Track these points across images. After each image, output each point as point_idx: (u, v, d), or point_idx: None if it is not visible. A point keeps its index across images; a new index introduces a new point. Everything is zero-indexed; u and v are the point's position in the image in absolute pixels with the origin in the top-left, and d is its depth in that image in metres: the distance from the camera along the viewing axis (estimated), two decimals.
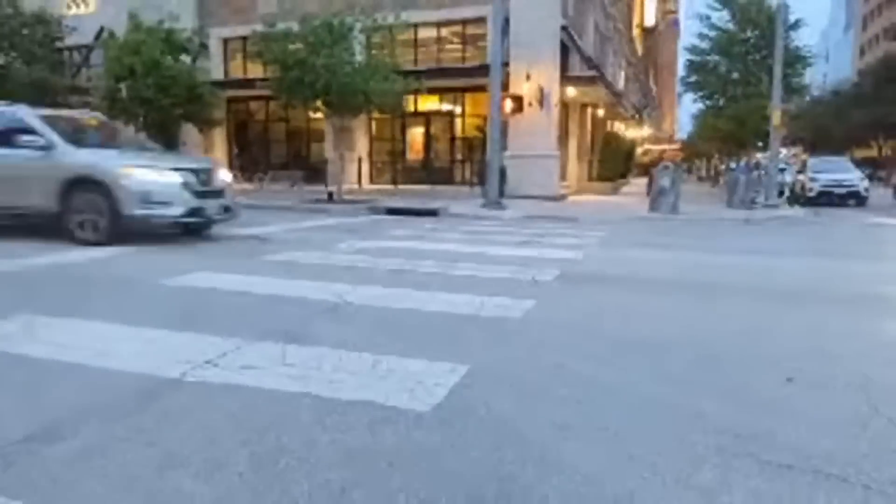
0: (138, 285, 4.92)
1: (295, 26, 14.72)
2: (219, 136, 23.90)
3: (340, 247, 7.45)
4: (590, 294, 4.98)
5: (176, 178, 7.09)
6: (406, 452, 2.13)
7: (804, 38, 22.86)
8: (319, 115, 17.16)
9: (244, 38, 21.01)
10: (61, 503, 1.79)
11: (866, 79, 43.06)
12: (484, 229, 10.19)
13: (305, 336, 3.48)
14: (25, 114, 7.54)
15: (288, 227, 10.02)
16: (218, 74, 22.55)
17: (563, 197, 18.27)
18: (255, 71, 21.61)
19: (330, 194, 15.60)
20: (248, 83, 21.24)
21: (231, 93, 22.23)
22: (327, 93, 14.33)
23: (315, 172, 22.06)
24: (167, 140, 18.44)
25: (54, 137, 7.14)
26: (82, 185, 6.91)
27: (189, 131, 20.92)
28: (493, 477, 1.97)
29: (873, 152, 46.98)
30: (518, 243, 8.19)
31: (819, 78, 43.99)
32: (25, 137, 6.99)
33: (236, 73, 23.60)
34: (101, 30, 21.28)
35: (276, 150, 24.45)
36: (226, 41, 23.32)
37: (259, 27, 15.24)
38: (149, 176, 6.94)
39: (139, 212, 6.86)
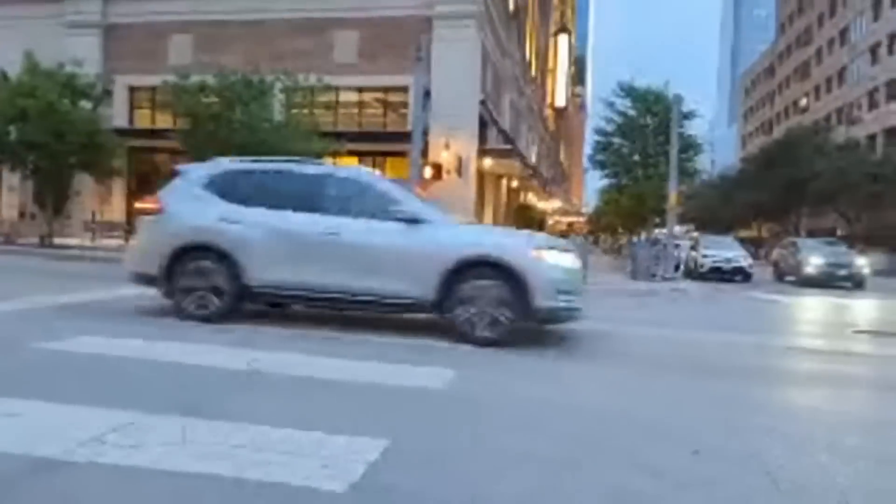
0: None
1: (210, 79, 14.47)
2: (118, 188, 22.57)
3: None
4: (503, 362, 4.94)
5: (577, 263, 6.02)
6: None
7: (695, 128, 25.48)
8: None
9: (153, 88, 20.34)
10: None
11: (748, 166, 48.13)
12: None
13: (211, 409, 3.17)
14: (373, 178, 6.30)
15: None
16: (122, 122, 21.58)
17: None
18: (164, 121, 20.92)
19: None
20: (154, 134, 20.45)
21: (135, 142, 21.26)
22: (243, 150, 14.01)
23: None
24: (58, 189, 17.20)
25: (423, 208, 5.85)
26: (474, 269, 5.44)
27: (83, 181, 19.63)
28: None
29: (754, 232, 52.00)
30: None
31: (707, 164, 48.73)
32: (391, 208, 5.61)
33: (143, 122, 22.72)
34: None
35: None
36: (132, 89, 22.49)
37: (170, 77, 14.84)
38: (561, 260, 5.63)
39: (549, 304, 5.43)
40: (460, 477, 2.50)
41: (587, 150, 39.93)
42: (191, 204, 5.89)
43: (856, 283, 18.18)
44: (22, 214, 21.34)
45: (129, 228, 20.23)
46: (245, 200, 5.82)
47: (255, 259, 5.63)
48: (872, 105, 45.67)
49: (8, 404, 3.04)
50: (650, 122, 24.83)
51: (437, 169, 17.04)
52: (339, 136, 16.74)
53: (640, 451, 2.93)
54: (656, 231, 26.88)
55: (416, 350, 5.08)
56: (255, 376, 3.93)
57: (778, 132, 56.16)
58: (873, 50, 46.30)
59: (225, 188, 5.92)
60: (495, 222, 25.00)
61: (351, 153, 19.95)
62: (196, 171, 6.28)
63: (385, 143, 20.30)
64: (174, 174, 6.43)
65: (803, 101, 52.17)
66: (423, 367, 4.44)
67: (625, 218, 31.20)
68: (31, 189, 17.98)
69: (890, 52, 44.18)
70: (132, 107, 22.90)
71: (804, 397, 4.51)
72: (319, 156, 15.33)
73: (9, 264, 11.65)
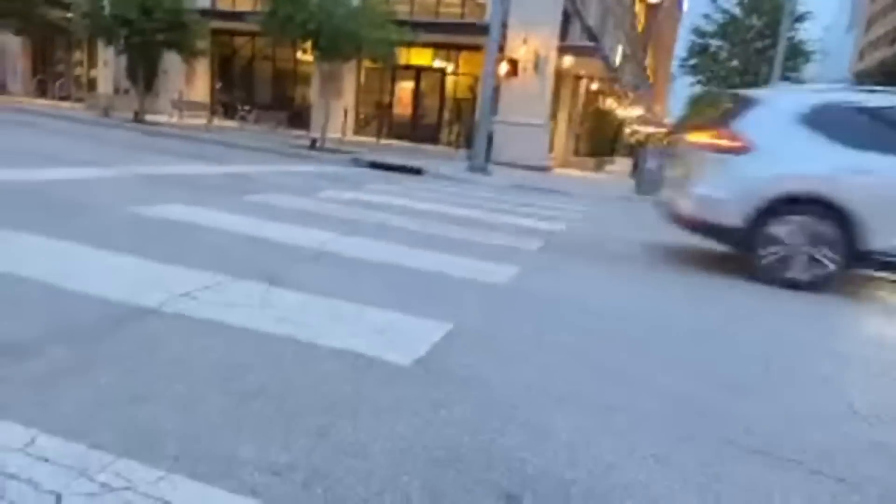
0: (97, 211, 4.74)
1: None
2: (201, 68, 23.09)
3: (324, 195, 7.31)
4: (571, 266, 4.97)
5: None
6: (384, 403, 2.10)
7: (807, 33, 22.64)
8: (308, 57, 16.63)
9: None
10: (34, 418, 1.71)
11: (863, 82, 43.41)
12: (469, 193, 10.10)
13: (289, 280, 3.40)
14: None
15: (269, 169, 9.79)
16: (205, 3, 21.60)
17: (548, 168, 18.21)
18: (244, 4, 20.80)
19: (313, 141, 15.27)
20: (235, 16, 20.42)
21: (216, 24, 21.35)
22: (319, 34, 13.85)
23: (298, 117, 21.56)
24: (148, 66, 17.76)
25: None
26: None
27: (170, 60, 20.12)
28: (470, 433, 1.96)
29: None
30: (503, 210, 8.14)
31: (815, 74, 44.19)
32: None
33: (223, 4, 22.67)
34: None
35: (260, 90, 23.76)
36: None
37: None
38: None
39: None
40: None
41: (679, 53, 36.79)
42: (788, 144, 4.79)
43: None
44: (116, 90, 22.31)
45: (212, 108, 20.89)
46: (864, 144, 4.65)
47: (886, 221, 4.62)
48: None
49: (110, 257, 3.37)
50: (756, 24, 22.45)
51: (514, 65, 16.32)
52: (414, 25, 16.16)
53: (706, 362, 2.97)
54: None
55: None
56: None
57: None
58: None
59: (830, 126, 4.74)
60: (569, 126, 24.05)
61: (425, 44, 19.36)
62: (786, 101, 5.16)
63: (461, 34, 19.49)
64: (746, 102, 5.23)
65: None
66: None
67: None
68: (124, 66, 18.65)
69: None
70: None
71: None
72: (393, 45, 14.97)
73: (112, 137, 12.39)
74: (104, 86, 23.09)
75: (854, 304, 4.83)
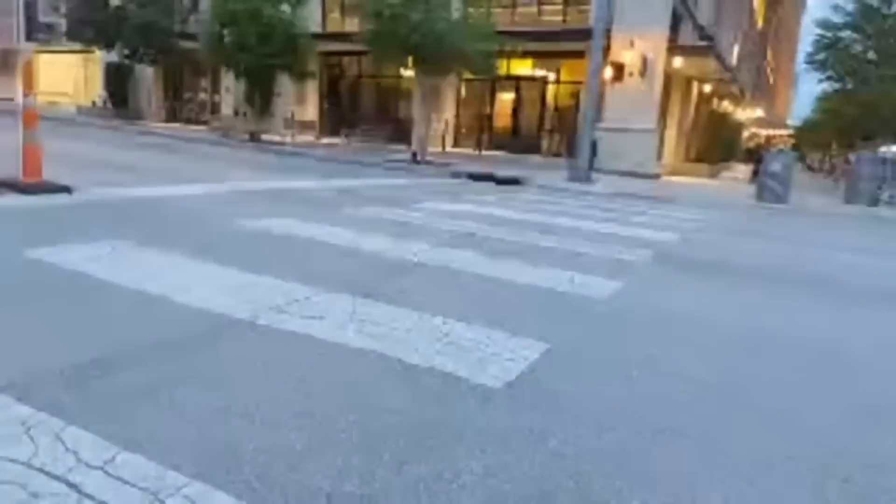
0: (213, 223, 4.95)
1: None
2: (311, 89, 24.30)
3: (422, 206, 7.29)
4: (685, 281, 4.53)
5: None
6: (472, 432, 1.91)
7: None
8: (409, 73, 16.96)
9: None
10: (117, 432, 1.70)
11: None
12: (571, 202, 9.73)
13: (381, 293, 3.32)
14: None
15: (370, 182, 9.99)
16: (315, 27, 22.78)
17: (657, 176, 17.27)
18: (352, 25, 21.65)
19: (414, 155, 15.50)
20: (343, 37, 21.32)
21: (325, 46, 22.42)
22: (420, 49, 14.06)
23: (400, 132, 22.05)
24: (262, 88, 18.95)
25: None
26: None
27: (283, 83, 21.34)
28: (564, 473, 1.72)
29: None
30: (607, 220, 7.72)
31: None
32: None
33: (333, 26, 23.75)
34: None
35: (364, 107, 24.62)
36: None
37: None
38: None
39: None
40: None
41: (802, 50, 33.65)
42: None
43: None
44: (236, 112, 24.09)
45: (321, 127, 21.89)
46: None
47: None
48: None
49: (215, 270, 3.46)
50: (894, 10, 20.03)
51: (619, 69, 15.68)
52: (514, 35, 16.01)
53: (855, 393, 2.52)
54: (883, 149, 22.49)
55: None
56: None
57: None
58: None
59: None
60: (680, 131, 22.74)
61: (526, 54, 19.13)
62: None
63: (563, 41, 19.04)
64: None
65: None
66: None
67: (846, 132, 26.37)
68: (242, 89, 20.05)
69: None
70: (324, 11, 24.02)
71: None
72: (494, 56, 14.87)
73: (229, 155, 13.31)
74: (225, 109, 24.99)
75: None
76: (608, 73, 14.83)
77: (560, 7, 19.91)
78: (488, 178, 12.74)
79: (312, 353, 2.43)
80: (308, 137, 19.79)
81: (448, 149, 20.57)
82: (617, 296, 3.73)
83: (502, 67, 19.42)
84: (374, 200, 7.48)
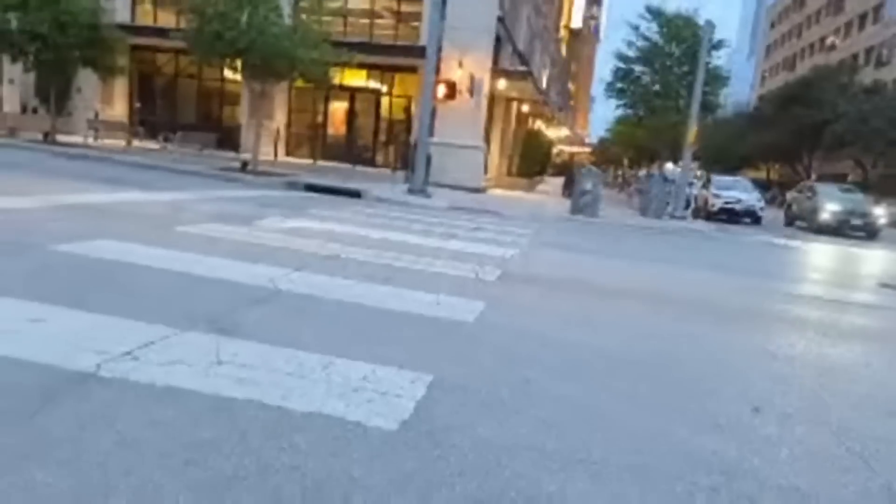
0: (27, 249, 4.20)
1: None
2: (120, 87, 21.83)
3: (263, 223, 6.89)
4: (538, 299, 4.84)
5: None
6: (378, 484, 1.83)
7: (719, 60, 24.17)
8: (235, 76, 16.01)
9: None
10: None
11: (766, 105, 46.62)
12: (414, 217, 9.89)
13: (242, 328, 3.06)
14: None
15: (200, 195, 9.21)
16: (124, 18, 20.51)
17: (484, 189, 18.30)
18: (166, 19, 19.91)
19: (244, 163, 14.66)
20: (157, 32, 19.48)
21: (137, 40, 20.28)
22: (249, 53, 13.34)
23: (226, 138, 20.71)
24: (60, 84, 16.56)
25: None
26: None
27: (85, 77, 18.87)
28: None
29: (762, 174, 51.19)
30: (452, 235, 7.98)
31: (723, 98, 47.10)
32: None
33: (145, 19, 21.65)
34: None
35: (184, 110, 22.71)
36: None
37: None
38: None
39: None
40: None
41: (596, 76, 38.34)
42: None
43: (870, 234, 17.99)
44: (24, 109, 20.69)
45: (132, 129, 19.72)
46: None
47: None
48: None
49: (32, 309, 2.91)
50: (675, 51, 23.69)
51: (451, 88, 16.38)
52: (348, 46, 15.94)
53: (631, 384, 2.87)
54: (668, 166, 26.33)
55: None
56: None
57: (801, 69, 54.05)
58: None
59: None
60: (503, 148, 24.39)
61: (360, 65, 19.15)
62: None
63: (396, 56, 19.43)
64: None
65: (830, 39, 49.88)
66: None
67: (636, 151, 30.46)
68: (32, 83, 17.29)
69: None
70: (133, 2, 21.72)
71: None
72: (328, 66, 14.64)
73: (21, 160, 11.34)
74: (10, 104, 21.36)
75: None
76: (441, 90, 15.40)
77: (392, 21, 20.26)
78: (328, 190, 12.48)
79: (179, 408, 2.15)
80: (117, 141, 17.67)
81: (280, 158, 19.76)
82: (483, 317, 3.86)
83: (336, 77, 19.20)
84: (211, 216, 6.90)
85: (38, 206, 6.06)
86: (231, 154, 18.10)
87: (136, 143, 19.25)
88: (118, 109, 22.08)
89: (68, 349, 2.51)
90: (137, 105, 22.58)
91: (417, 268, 5.29)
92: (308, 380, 2.52)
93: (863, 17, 51.56)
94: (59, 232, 4.84)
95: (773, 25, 78.36)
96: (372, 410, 2.30)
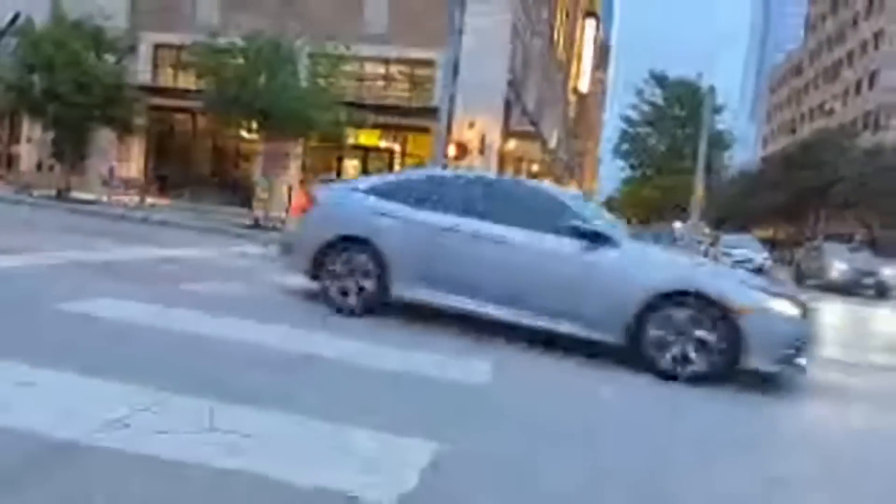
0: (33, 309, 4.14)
1: (238, 41, 14.11)
2: (136, 145, 22.35)
3: (275, 280, 6.82)
4: (545, 364, 4.68)
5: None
6: None
7: (722, 122, 24.97)
8: (251, 135, 16.40)
9: (179, 47, 20.03)
10: None
11: (769, 166, 47.15)
12: None
13: (241, 392, 2.94)
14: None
15: (210, 252, 9.23)
16: (145, 80, 21.26)
17: None
18: (186, 81, 20.58)
19: (256, 220, 14.78)
20: (176, 93, 20.13)
21: (156, 100, 20.94)
22: (266, 115, 13.70)
23: (240, 195, 21.01)
24: (76, 142, 16.96)
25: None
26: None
27: (101, 137, 19.36)
28: None
29: (769, 233, 51.22)
30: None
31: (727, 160, 47.73)
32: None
33: (165, 81, 22.40)
34: (17, 15, 19.57)
35: (198, 167, 23.15)
36: (157, 46, 22.17)
37: (197, 36, 14.51)
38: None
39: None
40: None
41: (604, 137, 39.17)
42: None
43: (879, 292, 17.72)
44: (39, 166, 21.17)
45: (146, 186, 20.09)
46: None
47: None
48: None
49: (22, 372, 2.81)
50: (680, 114, 24.20)
51: (463, 148, 16.67)
52: (362, 107, 16.36)
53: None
54: (676, 224, 26.41)
55: None
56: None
57: (802, 133, 54.89)
58: None
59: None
60: None
61: (373, 126, 19.61)
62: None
63: (409, 117, 19.89)
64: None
65: (829, 105, 50.83)
66: None
67: (646, 210, 30.68)
68: (49, 141, 17.72)
69: None
70: (155, 65, 22.57)
71: None
72: (343, 125, 14.99)
73: (35, 217, 11.50)
74: (27, 162, 21.90)
75: None
76: (452, 150, 15.67)
77: (406, 84, 20.88)
78: None
79: (171, 481, 2.02)
80: (130, 197, 17.96)
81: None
82: (494, 379, 3.71)
83: (351, 136, 19.63)
84: (217, 272, 6.86)
85: (43, 263, 6.06)
86: (244, 211, 18.29)
87: (150, 200, 19.56)
88: (134, 167, 22.57)
89: (60, 416, 2.40)
90: (154, 164, 23.06)
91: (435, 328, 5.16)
92: (307, 450, 2.39)
93: (859, 84, 52.68)
94: (64, 290, 4.79)
95: (772, 91, 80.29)
96: (371, 482, 2.16)
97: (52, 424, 2.31)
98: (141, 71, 21.18)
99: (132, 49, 18.20)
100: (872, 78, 50.14)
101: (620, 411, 3.62)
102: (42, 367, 2.90)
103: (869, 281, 17.83)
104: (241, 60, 13.72)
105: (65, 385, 2.75)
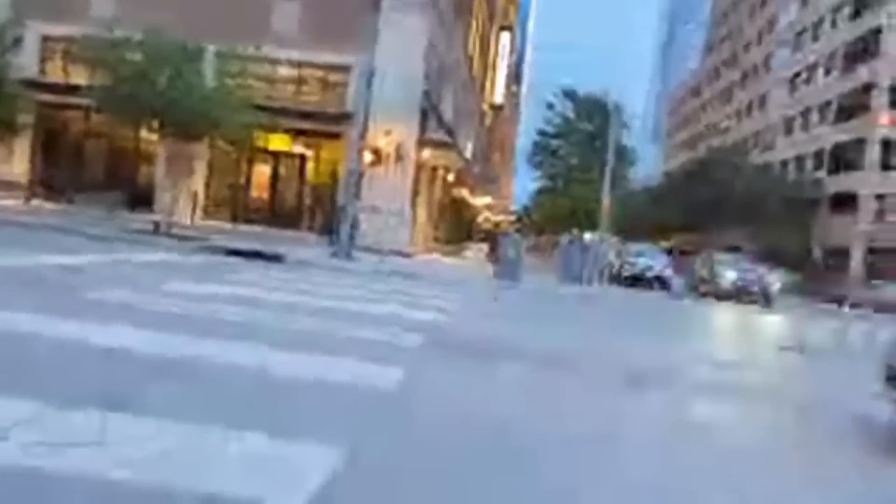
0: None
1: (138, 35, 13.33)
2: (20, 145, 20.50)
3: (173, 289, 6.47)
4: (460, 366, 4.73)
5: None
6: None
7: (628, 137, 26.75)
8: (151, 135, 15.53)
9: (69, 39, 18.55)
10: None
11: (669, 181, 50.42)
12: (337, 282, 9.66)
13: (133, 402, 2.75)
14: None
15: (105, 258, 8.62)
16: (31, 75, 19.61)
17: (410, 254, 18.32)
18: (78, 77, 19.19)
19: (157, 225, 13.98)
20: (69, 89, 18.71)
21: (44, 97, 19.36)
22: (167, 114, 13.01)
23: (140, 199, 19.79)
24: None
25: None
26: None
27: None
28: None
29: (671, 243, 54.64)
30: (375, 300, 7.80)
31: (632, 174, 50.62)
32: None
33: (54, 75, 20.78)
34: None
35: (92, 169, 21.57)
36: (45, 38, 20.50)
37: (90, 29, 13.58)
38: None
39: None
40: None
41: (518, 149, 40.50)
42: None
43: (765, 300, 19.29)
44: None
45: (33, 189, 18.51)
46: None
47: None
48: (788, 132, 48.58)
49: None
50: (588, 128, 25.46)
51: (378, 155, 16.61)
52: (273, 111, 15.90)
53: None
54: (586, 235, 27.56)
55: None
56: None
57: (700, 150, 59.11)
58: (792, 80, 49.31)
59: None
60: (429, 214, 24.75)
61: (286, 130, 19.14)
62: None
63: (322, 123, 19.58)
64: None
65: (724, 123, 55.15)
66: None
67: (557, 220, 31.92)
68: None
69: (807, 82, 47.14)
70: (43, 58, 20.88)
71: None
72: (250, 128, 14.50)
73: None
74: None
75: None
76: (368, 157, 15.57)
77: (319, 88, 20.53)
78: (248, 254, 12.04)
79: (55, 496, 1.85)
80: (14, 201, 16.47)
81: (198, 221, 19.02)
82: (399, 386, 3.69)
83: (260, 140, 19.02)
84: (116, 281, 6.42)
85: None
86: (144, 215, 17.25)
87: (35, 202, 18.03)
88: (18, 168, 20.72)
89: None
90: (41, 164, 21.26)
91: (337, 333, 5.07)
92: (201, 457, 2.26)
93: (750, 105, 57.41)
94: None
95: (673, 110, 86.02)
96: (274, 488, 2.08)
97: None
98: (27, 65, 19.51)
99: (17, 41, 16.76)
100: (763, 100, 54.79)
101: None
102: None
103: (755, 289, 19.38)
104: (139, 56, 12.96)
105: None
